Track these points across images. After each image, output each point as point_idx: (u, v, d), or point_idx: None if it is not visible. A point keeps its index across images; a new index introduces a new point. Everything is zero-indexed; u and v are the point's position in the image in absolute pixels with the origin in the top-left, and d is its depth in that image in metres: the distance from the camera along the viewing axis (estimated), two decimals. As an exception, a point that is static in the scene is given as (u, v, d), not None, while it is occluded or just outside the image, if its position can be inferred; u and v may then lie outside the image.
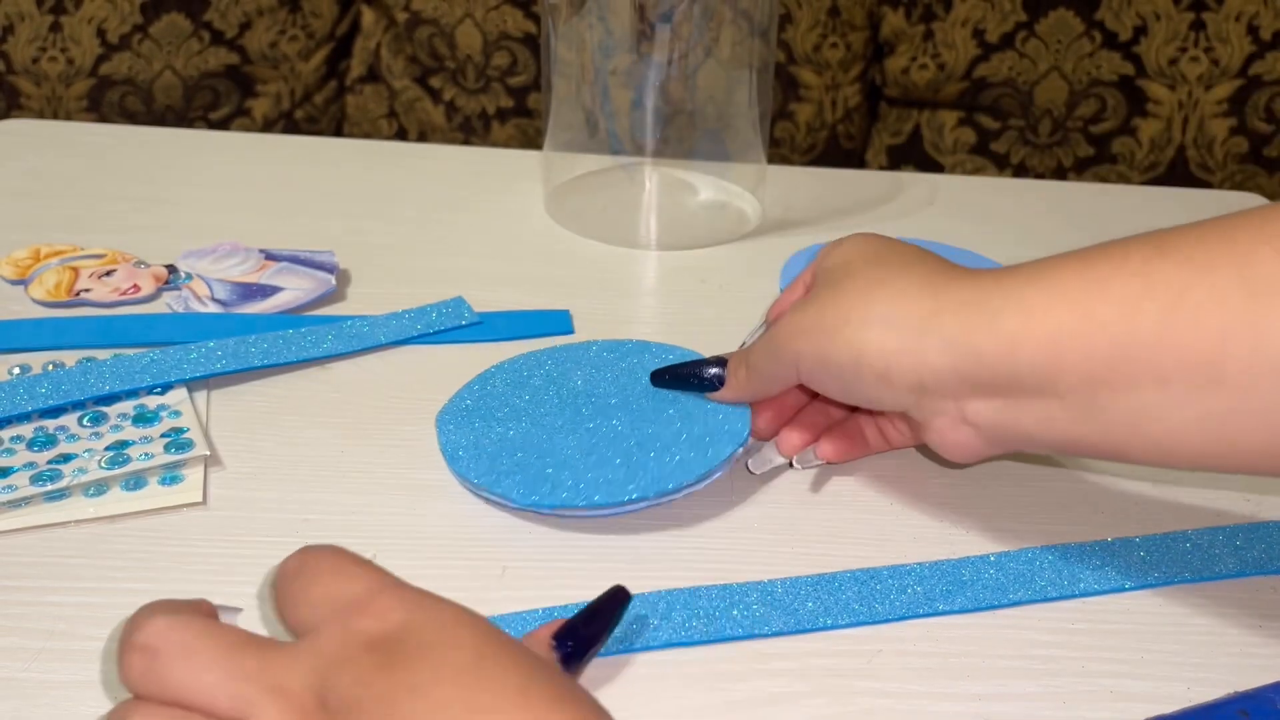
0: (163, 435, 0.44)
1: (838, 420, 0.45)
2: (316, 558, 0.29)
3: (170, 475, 0.42)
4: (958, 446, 0.38)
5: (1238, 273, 0.31)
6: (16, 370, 0.48)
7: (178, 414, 0.45)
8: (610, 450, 0.42)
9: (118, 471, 0.41)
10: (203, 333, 0.51)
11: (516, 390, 0.47)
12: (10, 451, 0.43)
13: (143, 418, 0.45)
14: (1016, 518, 0.42)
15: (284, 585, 0.29)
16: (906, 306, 0.37)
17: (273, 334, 0.50)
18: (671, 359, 0.48)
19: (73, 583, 0.38)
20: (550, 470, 0.41)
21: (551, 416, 0.45)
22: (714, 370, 0.44)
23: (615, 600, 0.34)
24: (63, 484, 0.41)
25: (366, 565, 0.29)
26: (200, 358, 0.48)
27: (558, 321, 0.54)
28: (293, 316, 0.53)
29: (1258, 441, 0.32)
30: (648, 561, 0.39)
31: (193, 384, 0.47)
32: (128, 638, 0.27)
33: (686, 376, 0.44)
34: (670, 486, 0.40)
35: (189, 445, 0.43)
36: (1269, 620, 0.38)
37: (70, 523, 0.40)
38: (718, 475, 0.42)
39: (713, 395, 0.44)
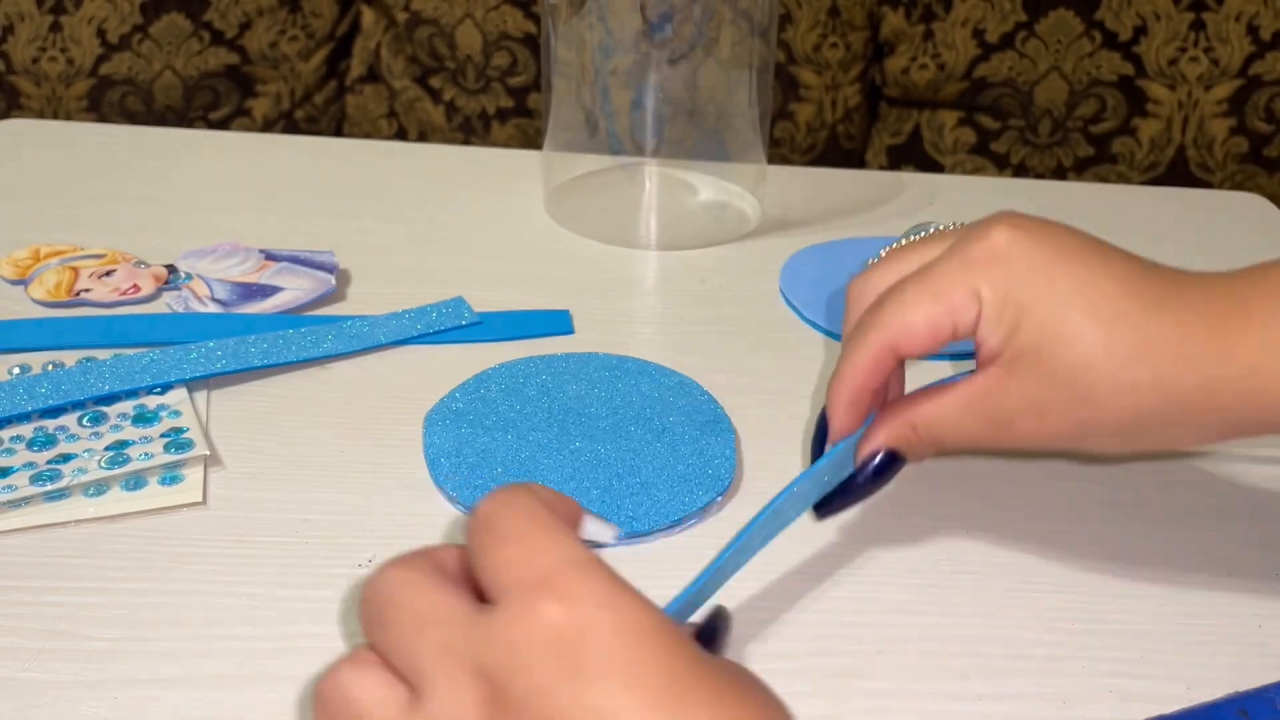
0: (163, 435, 0.44)
1: None
2: (509, 515, 0.26)
3: (170, 475, 0.42)
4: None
5: None
6: (16, 370, 0.48)
7: (178, 414, 0.45)
8: (590, 479, 0.42)
9: (118, 471, 0.41)
10: (203, 333, 0.51)
11: (509, 397, 0.47)
12: (10, 451, 0.43)
13: (143, 418, 0.45)
14: (1016, 518, 0.42)
15: (474, 534, 0.26)
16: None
17: (273, 334, 0.50)
18: (667, 382, 0.48)
19: (73, 583, 0.38)
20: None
21: (539, 432, 0.45)
22: (880, 460, 0.36)
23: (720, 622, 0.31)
24: (62, 484, 0.41)
25: (559, 533, 0.25)
26: (200, 358, 0.48)
27: (558, 321, 0.53)
28: (293, 316, 0.53)
29: None
30: (648, 562, 0.39)
31: (193, 384, 0.47)
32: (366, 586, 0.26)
33: (860, 492, 0.37)
34: (642, 529, 0.40)
35: (189, 445, 0.43)
36: (1269, 620, 0.38)
37: (70, 523, 0.40)
38: (694, 523, 0.41)
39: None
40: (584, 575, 0.24)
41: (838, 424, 0.37)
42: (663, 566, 0.39)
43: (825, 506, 0.37)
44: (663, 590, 0.38)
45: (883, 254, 0.40)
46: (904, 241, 0.40)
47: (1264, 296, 0.33)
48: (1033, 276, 0.34)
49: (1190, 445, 0.36)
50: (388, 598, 0.26)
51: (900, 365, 0.38)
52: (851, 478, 0.37)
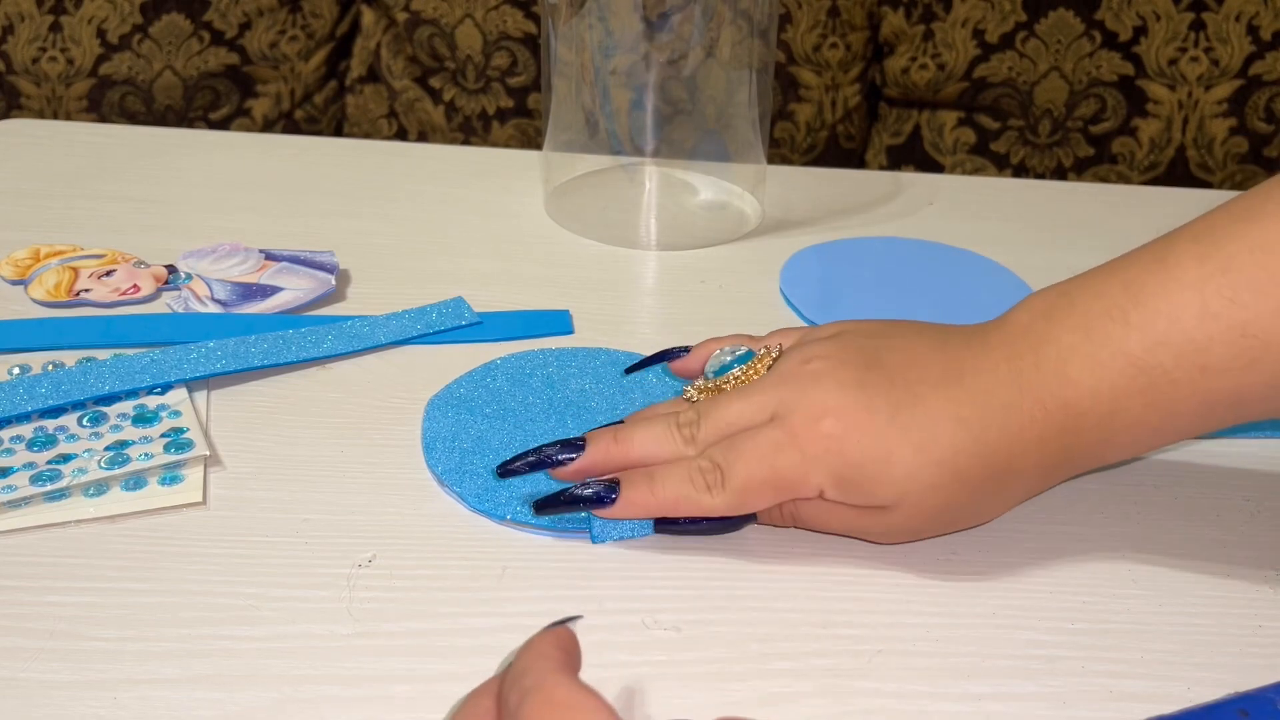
0: (163, 435, 0.44)
1: None
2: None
3: (170, 475, 0.42)
4: None
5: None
6: (16, 370, 0.48)
7: (178, 414, 0.45)
8: None
9: (118, 472, 0.41)
10: (203, 333, 0.51)
11: (513, 387, 0.47)
12: (10, 451, 0.43)
13: (142, 418, 0.45)
14: (1016, 518, 0.42)
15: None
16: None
17: (273, 334, 0.50)
18: (671, 380, 0.48)
19: (73, 583, 0.38)
20: (513, 480, 0.41)
21: (536, 423, 0.45)
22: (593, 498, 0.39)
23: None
24: (62, 484, 0.41)
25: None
26: (200, 358, 0.48)
27: (558, 322, 0.54)
28: (293, 316, 0.53)
29: None
30: (649, 562, 0.39)
31: (193, 384, 0.47)
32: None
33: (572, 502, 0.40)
34: (616, 536, 0.40)
35: (189, 445, 0.43)
36: (1269, 620, 0.38)
37: (70, 523, 0.40)
38: (684, 522, 0.40)
39: (603, 510, 0.40)
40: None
41: None
42: (652, 566, 0.39)
43: (668, 525, 0.39)
44: (655, 591, 0.38)
45: (691, 393, 0.43)
46: (708, 381, 0.43)
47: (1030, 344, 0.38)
48: (860, 437, 0.37)
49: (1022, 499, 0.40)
50: None
51: None
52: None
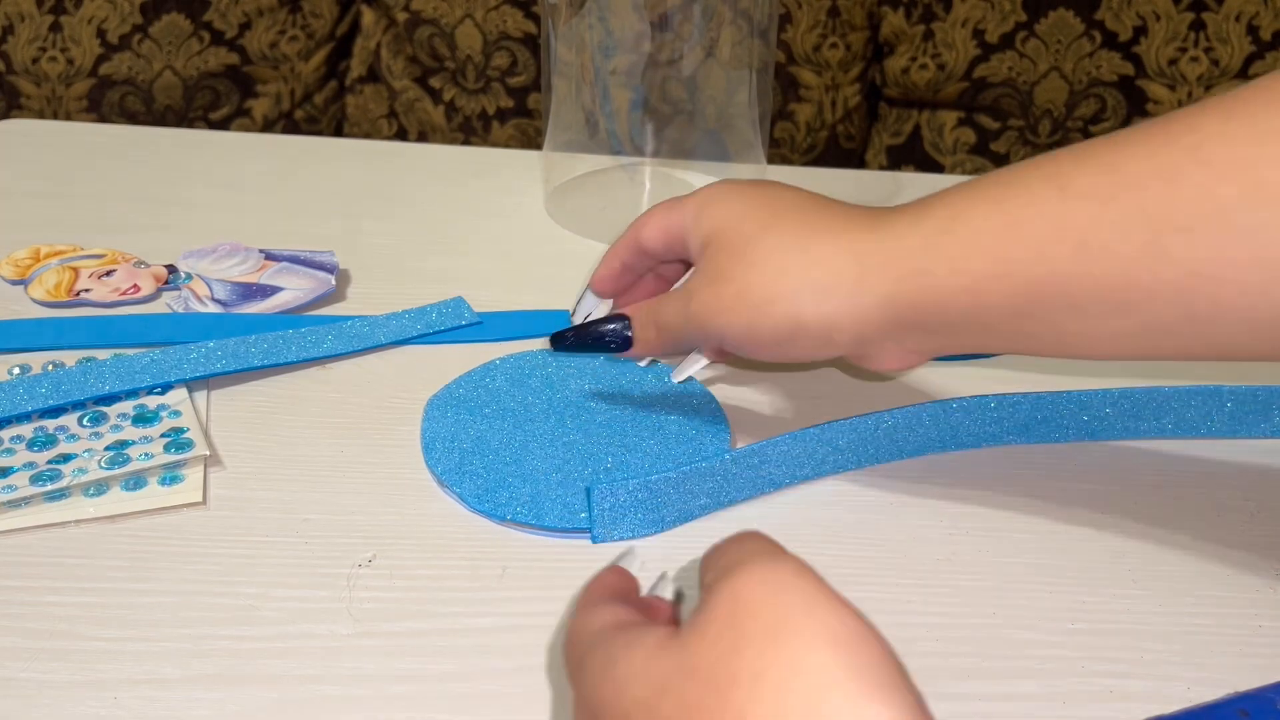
0: (163, 435, 0.44)
1: None
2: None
3: (170, 475, 0.42)
4: (897, 369, 0.41)
5: (1140, 208, 0.33)
6: (16, 370, 0.48)
7: (177, 414, 0.45)
8: (579, 472, 0.42)
9: (118, 471, 0.41)
10: (203, 333, 0.51)
11: (512, 387, 0.47)
12: (10, 451, 0.43)
13: (143, 418, 0.45)
14: (1016, 518, 0.42)
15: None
16: (835, 273, 0.38)
17: (273, 334, 0.50)
18: (671, 382, 0.48)
19: (73, 583, 0.38)
20: (513, 480, 0.42)
21: (536, 422, 0.45)
22: (613, 326, 0.44)
23: None
24: (62, 484, 0.41)
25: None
26: (200, 357, 0.48)
27: (557, 322, 0.53)
28: (293, 317, 0.53)
29: (1171, 350, 0.35)
30: (649, 562, 0.39)
31: (193, 384, 0.47)
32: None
33: (589, 337, 0.44)
34: (616, 537, 0.40)
35: (189, 445, 0.43)
36: (1270, 620, 0.38)
37: (70, 523, 0.40)
38: (677, 523, 0.41)
39: (620, 354, 0.44)
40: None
41: (598, 281, 0.46)
42: (653, 567, 0.39)
43: (560, 340, 0.44)
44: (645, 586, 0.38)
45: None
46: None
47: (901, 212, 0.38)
48: (723, 218, 0.41)
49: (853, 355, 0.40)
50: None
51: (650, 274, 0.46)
52: (595, 337, 0.44)
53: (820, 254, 0.38)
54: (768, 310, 0.38)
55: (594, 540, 0.40)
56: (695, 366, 0.46)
